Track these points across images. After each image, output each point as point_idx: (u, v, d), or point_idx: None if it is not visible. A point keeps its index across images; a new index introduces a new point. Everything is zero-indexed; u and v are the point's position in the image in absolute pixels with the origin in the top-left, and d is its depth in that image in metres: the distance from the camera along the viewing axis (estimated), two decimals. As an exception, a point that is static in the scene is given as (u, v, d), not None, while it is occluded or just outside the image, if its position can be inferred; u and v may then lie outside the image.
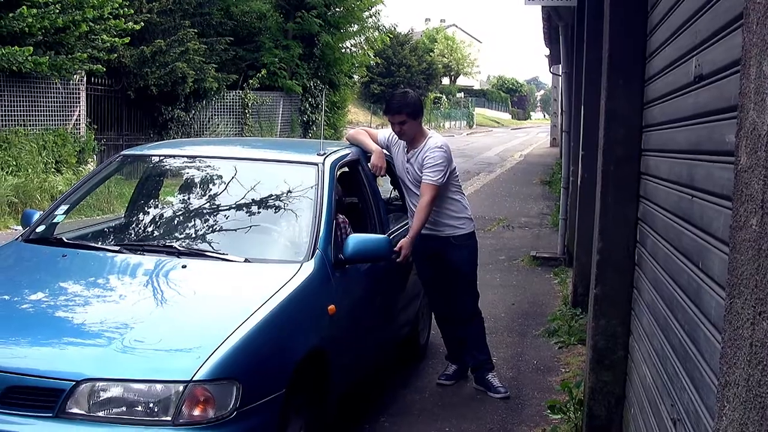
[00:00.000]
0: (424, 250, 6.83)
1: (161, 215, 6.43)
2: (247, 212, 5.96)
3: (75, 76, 20.16)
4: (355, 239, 5.54)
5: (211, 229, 5.89)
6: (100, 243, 5.97)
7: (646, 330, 4.56)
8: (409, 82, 63.08)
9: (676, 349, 3.65)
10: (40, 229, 5.92)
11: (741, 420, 1.81)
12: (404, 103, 6.81)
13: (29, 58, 17.17)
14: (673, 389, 3.66)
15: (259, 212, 5.96)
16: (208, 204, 6.12)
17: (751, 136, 1.86)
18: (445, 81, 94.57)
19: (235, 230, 5.84)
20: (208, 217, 6.02)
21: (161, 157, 6.97)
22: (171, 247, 5.49)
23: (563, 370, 7.63)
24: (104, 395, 3.97)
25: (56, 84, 19.75)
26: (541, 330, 8.95)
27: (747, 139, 1.89)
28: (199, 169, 6.61)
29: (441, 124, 71.11)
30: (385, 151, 6.97)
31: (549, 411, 6.35)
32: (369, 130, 7.55)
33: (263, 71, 29.29)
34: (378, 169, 6.86)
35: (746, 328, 1.81)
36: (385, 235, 5.86)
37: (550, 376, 7.48)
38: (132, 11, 20.93)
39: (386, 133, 7.20)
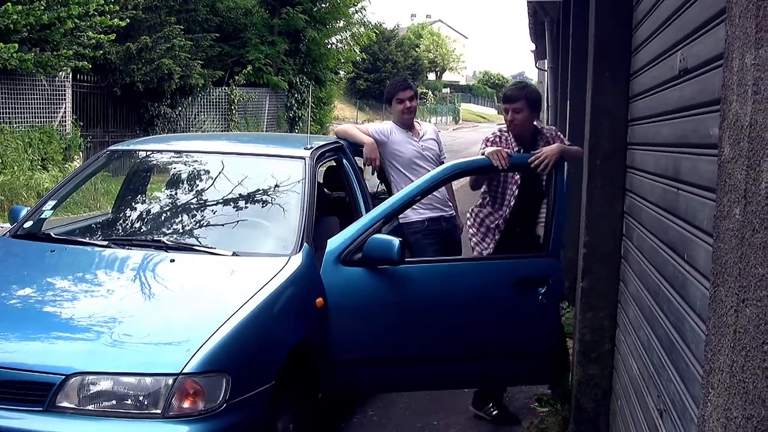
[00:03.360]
0: (438, 231, 6.94)
1: (149, 210, 6.43)
2: (234, 206, 5.96)
3: (61, 73, 20.14)
4: (373, 239, 5.32)
5: (198, 223, 5.90)
6: (88, 238, 5.97)
7: (633, 322, 4.58)
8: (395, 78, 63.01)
9: (662, 340, 3.68)
10: (28, 224, 5.92)
11: (725, 405, 1.84)
12: (410, 81, 7.45)
13: (14, 54, 17.13)
14: (659, 380, 3.69)
15: (246, 206, 5.97)
16: (196, 198, 6.13)
17: (733, 128, 1.89)
18: (431, 76, 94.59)
19: (223, 224, 5.83)
20: (195, 211, 6.03)
21: (148, 152, 6.99)
22: (159, 241, 5.49)
23: (550, 363, 7.64)
24: (94, 389, 3.98)
25: (42, 81, 19.72)
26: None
27: (730, 131, 1.92)
28: (186, 164, 6.61)
29: (427, 120, 71.14)
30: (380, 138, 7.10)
31: (537, 404, 6.38)
32: (358, 126, 7.66)
33: (249, 67, 29.33)
34: (372, 161, 6.97)
35: (730, 315, 1.84)
36: (399, 239, 5.38)
37: (537, 369, 7.50)
38: (117, 8, 20.90)
39: (376, 125, 7.36)
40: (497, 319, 5.73)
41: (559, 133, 6.47)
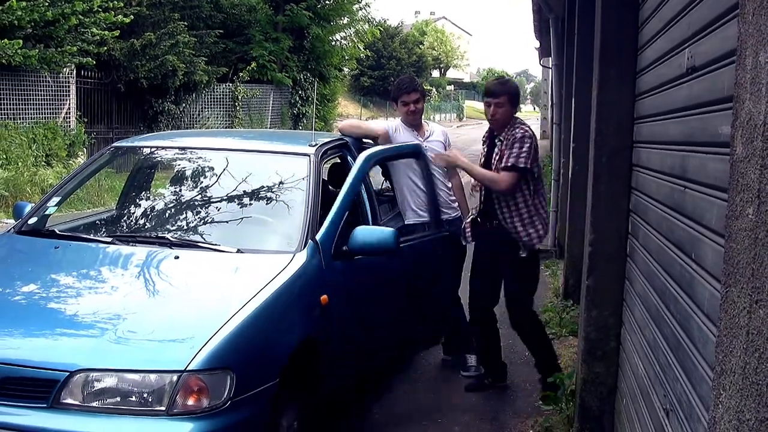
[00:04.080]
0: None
1: (153, 207, 6.43)
2: (239, 203, 5.95)
3: (65, 70, 20.15)
4: (362, 231, 5.51)
5: (203, 219, 5.89)
6: (92, 234, 5.95)
7: (638, 321, 4.57)
8: (399, 75, 63.09)
9: (668, 339, 3.66)
10: (32, 221, 5.92)
11: (737, 407, 1.82)
12: (417, 83, 7.39)
13: (19, 51, 17.15)
14: (665, 379, 3.68)
15: (251, 203, 5.96)
16: (200, 195, 6.12)
17: (747, 127, 1.87)
18: (435, 74, 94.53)
19: (228, 221, 5.84)
20: (200, 208, 6.01)
21: (153, 149, 6.98)
22: (163, 238, 5.48)
23: (555, 361, 7.64)
24: (98, 385, 3.98)
25: (46, 77, 19.72)
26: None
27: (743, 129, 1.90)
28: (190, 161, 6.60)
29: (431, 117, 71.06)
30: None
31: (541, 402, 6.37)
32: (360, 122, 7.70)
33: (253, 64, 29.33)
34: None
35: (742, 316, 1.82)
36: (393, 229, 5.74)
37: (542, 367, 7.49)
38: (122, 4, 20.91)
39: (382, 123, 7.41)
40: (432, 287, 6.88)
41: (518, 141, 6.33)
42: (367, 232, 5.52)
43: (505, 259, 6.57)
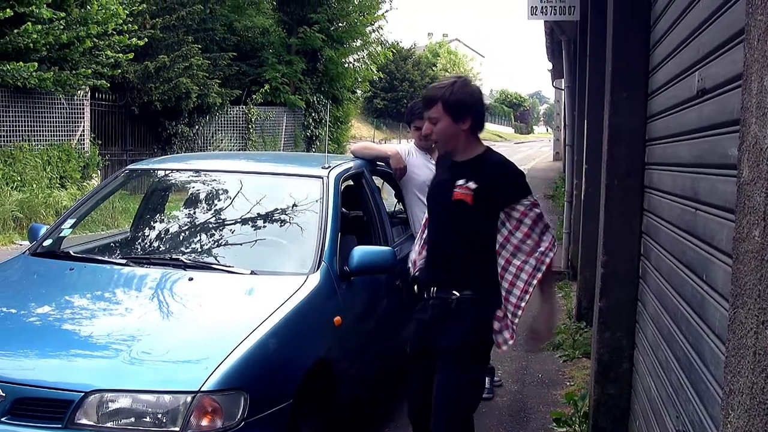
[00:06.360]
0: None
1: (167, 229, 6.45)
2: (252, 225, 5.98)
3: (79, 92, 20.24)
4: (360, 251, 5.54)
5: (217, 242, 5.92)
6: (106, 256, 5.99)
7: (651, 342, 4.58)
8: (412, 97, 63.14)
9: (680, 360, 3.67)
10: (47, 242, 5.97)
11: (745, 427, 1.84)
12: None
13: (34, 73, 17.27)
14: (677, 401, 3.69)
15: (264, 225, 5.99)
16: (214, 217, 6.16)
17: (753, 150, 1.89)
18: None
19: (241, 243, 5.86)
20: (214, 230, 6.05)
21: (167, 171, 7.02)
22: (177, 260, 5.51)
23: (568, 383, 7.64)
24: (113, 406, 3.99)
25: (60, 99, 19.83)
26: (546, 343, 8.95)
27: (749, 153, 1.93)
28: (204, 183, 6.64)
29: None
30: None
31: (554, 424, 6.37)
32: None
33: (266, 86, 29.41)
34: (402, 171, 6.99)
35: (750, 337, 1.84)
36: (390, 247, 5.89)
37: (555, 389, 7.49)
38: (136, 27, 21.07)
39: (394, 145, 7.44)
40: None
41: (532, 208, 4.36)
42: (365, 252, 5.56)
43: (446, 342, 4.47)
